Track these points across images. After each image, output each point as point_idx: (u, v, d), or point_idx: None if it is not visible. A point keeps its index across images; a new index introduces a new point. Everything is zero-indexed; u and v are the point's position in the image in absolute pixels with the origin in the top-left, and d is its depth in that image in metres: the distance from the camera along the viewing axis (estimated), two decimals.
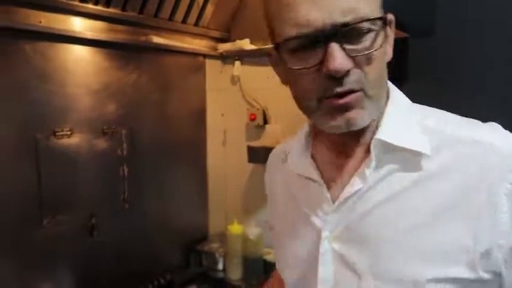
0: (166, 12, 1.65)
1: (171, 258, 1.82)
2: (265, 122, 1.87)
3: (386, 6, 0.57)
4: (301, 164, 0.67)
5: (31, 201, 1.29)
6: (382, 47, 0.54)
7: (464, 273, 0.54)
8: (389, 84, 0.63)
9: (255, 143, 1.82)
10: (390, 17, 0.58)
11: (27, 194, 1.29)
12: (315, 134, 0.68)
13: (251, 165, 1.89)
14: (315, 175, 0.65)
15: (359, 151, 0.61)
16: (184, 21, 1.75)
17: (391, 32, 0.59)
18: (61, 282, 1.39)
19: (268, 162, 0.82)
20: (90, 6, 1.39)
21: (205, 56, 1.92)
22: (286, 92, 0.61)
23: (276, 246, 0.77)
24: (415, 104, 0.64)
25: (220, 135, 2.02)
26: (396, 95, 0.63)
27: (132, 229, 1.60)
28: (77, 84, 1.41)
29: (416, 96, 0.65)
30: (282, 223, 0.74)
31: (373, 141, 0.58)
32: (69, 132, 1.39)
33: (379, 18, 0.53)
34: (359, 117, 0.54)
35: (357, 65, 0.52)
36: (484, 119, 0.60)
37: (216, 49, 1.94)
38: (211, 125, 1.97)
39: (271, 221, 0.80)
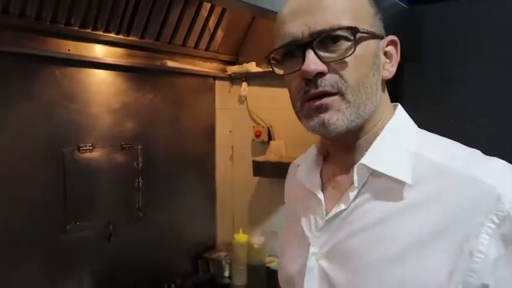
0: (179, 38, 1.82)
1: (181, 264, 1.95)
2: (270, 138, 2.00)
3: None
4: (308, 177, 0.70)
5: (57, 208, 1.45)
6: (357, 55, 0.57)
7: None
8: (398, 109, 0.65)
9: (260, 158, 1.95)
10: (391, 37, 0.62)
11: (54, 201, 1.45)
12: (327, 153, 0.71)
13: (256, 179, 2.03)
14: (317, 190, 0.66)
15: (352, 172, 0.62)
16: (196, 46, 1.91)
17: (394, 53, 0.63)
18: (81, 282, 1.54)
19: (288, 171, 0.84)
20: (113, 35, 1.57)
21: (214, 77, 2.09)
22: (289, 111, 0.66)
23: (279, 256, 0.78)
24: (421, 130, 0.64)
25: (228, 150, 2.17)
26: (398, 120, 0.63)
27: (146, 236, 1.75)
28: (99, 104, 1.58)
29: (410, 115, 0.67)
30: (285, 232, 0.77)
31: (356, 165, 0.59)
32: (91, 147, 1.55)
33: (352, 28, 0.56)
34: (334, 119, 0.57)
35: (333, 70, 0.57)
36: (472, 140, 0.61)
37: (225, 71, 2.11)
38: (220, 141, 2.13)
39: (281, 231, 0.82)
